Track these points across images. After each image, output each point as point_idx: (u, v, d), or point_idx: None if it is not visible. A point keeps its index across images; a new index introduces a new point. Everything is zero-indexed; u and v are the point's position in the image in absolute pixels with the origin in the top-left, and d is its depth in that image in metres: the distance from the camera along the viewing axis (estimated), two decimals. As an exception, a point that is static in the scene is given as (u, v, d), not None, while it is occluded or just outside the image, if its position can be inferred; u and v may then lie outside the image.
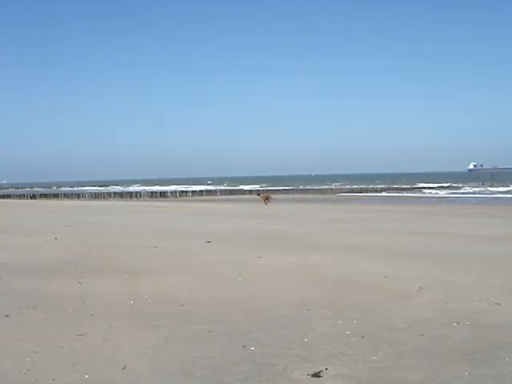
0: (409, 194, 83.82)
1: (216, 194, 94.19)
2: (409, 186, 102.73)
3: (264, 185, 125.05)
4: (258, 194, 54.19)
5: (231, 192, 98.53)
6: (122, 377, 5.98)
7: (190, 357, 6.58)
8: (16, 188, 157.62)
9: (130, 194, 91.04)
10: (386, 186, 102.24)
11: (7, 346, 7.04)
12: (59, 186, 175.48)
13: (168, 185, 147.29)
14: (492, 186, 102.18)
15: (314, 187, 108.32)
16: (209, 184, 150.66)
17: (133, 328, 7.82)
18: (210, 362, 6.40)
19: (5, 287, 10.77)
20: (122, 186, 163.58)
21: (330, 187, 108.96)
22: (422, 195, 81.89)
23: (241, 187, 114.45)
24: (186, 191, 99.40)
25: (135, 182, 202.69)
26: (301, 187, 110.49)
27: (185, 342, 7.18)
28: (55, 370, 6.13)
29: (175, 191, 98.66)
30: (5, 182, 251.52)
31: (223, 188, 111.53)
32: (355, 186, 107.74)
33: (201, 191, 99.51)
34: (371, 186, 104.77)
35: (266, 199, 47.96)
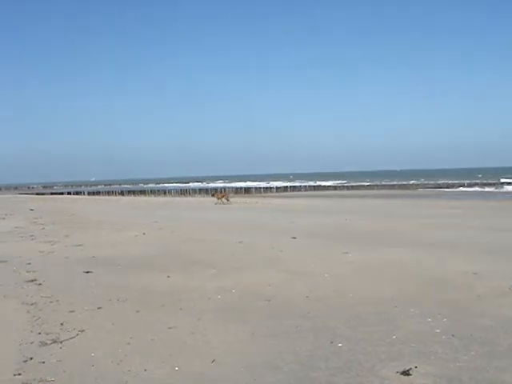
0: (490, 189, 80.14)
1: (300, 190, 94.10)
2: (490, 182, 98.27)
3: (344, 181, 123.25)
4: (213, 195, 53.80)
5: (315, 188, 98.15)
6: (211, 370, 6.06)
7: (277, 352, 6.60)
8: (105, 185, 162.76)
9: (215, 191, 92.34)
10: (469, 182, 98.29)
11: (101, 337, 7.28)
12: (146, 182, 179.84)
13: (250, 181, 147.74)
14: None
15: (400, 182, 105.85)
16: (291, 179, 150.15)
17: (221, 322, 7.92)
18: (297, 357, 6.40)
19: (97, 281, 11.14)
20: (205, 182, 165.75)
21: (416, 182, 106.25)
22: (504, 190, 77.87)
23: (321, 183, 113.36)
24: (270, 187, 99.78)
25: (218, 178, 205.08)
26: (383, 183, 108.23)
27: (272, 337, 7.21)
28: (146, 362, 6.29)
29: (259, 187, 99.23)
30: (94, 179, 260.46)
31: (307, 184, 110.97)
32: (441, 182, 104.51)
33: (285, 187, 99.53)
34: (451, 182, 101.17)
35: (223, 197, 47.63)
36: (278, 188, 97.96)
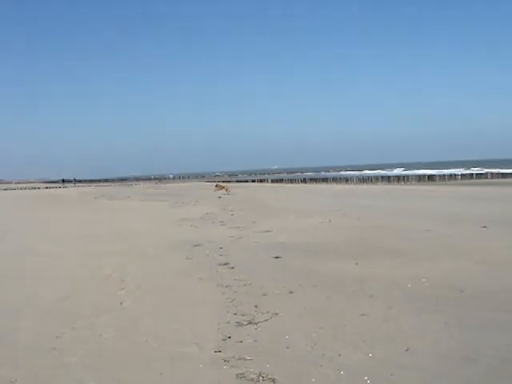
0: None
1: (487, 177, 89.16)
2: None
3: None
4: (216, 186, 52.20)
5: (503, 175, 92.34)
6: (404, 358, 5.98)
7: (473, 344, 6.36)
8: (288, 173, 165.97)
9: (398, 178, 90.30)
10: None
11: (294, 321, 7.47)
12: (327, 170, 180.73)
13: (430, 168, 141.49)
14: None
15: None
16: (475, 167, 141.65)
17: (412, 311, 7.78)
18: (495, 351, 6.12)
19: (286, 265, 11.43)
20: (385, 169, 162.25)
21: None
22: None
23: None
24: (454, 174, 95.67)
25: (398, 165, 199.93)
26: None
27: (467, 328, 6.96)
28: (339, 347, 6.35)
29: (443, 175, 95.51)
30: (276, 167, 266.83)
31: (497, 171, 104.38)
32: None
33: (470, 174, 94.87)
34: None
35: (222, 188, 48.69)
36: (462, 175, 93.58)
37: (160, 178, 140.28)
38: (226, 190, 48.29)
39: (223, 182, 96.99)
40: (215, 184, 55.90)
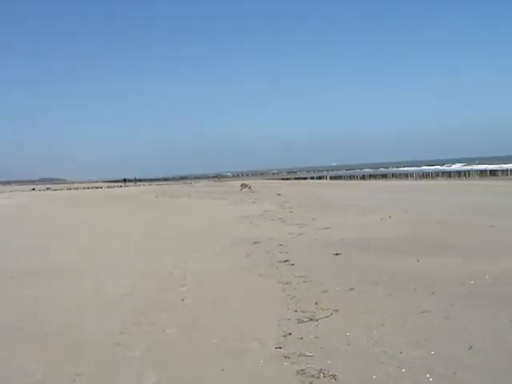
0: None
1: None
2: None
3: None
4: (241, 185, 52.52)
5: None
6: (468, 356, 5.87)
7: (540, 343, 6.18)
8: (346, 169, 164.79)
9: (459, 174, 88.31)
10: None
11: (354, 317, 7.43)
12: (386, 166, 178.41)
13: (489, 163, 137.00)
14: None
15: None
16: None
17: (475, 308, 7.63)
18: None
19: (346, 262, 11.37)
20: (445, 165, 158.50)
21: None
22: None
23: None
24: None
25: (455, 160, 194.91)
26: None
27: (534, 326, 6.76)
28: (401, 344, 6.28)
29: (506, 169, 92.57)
30: (334, 164, 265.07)
31: None
32: None
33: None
34: None
35: (246, 187, 49.76)
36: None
37: (219, 177, 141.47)
38: (249, 187, 49.33)
39: (282, 179, 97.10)
40: (241, 184, 57.08)
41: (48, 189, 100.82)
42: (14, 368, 6.18)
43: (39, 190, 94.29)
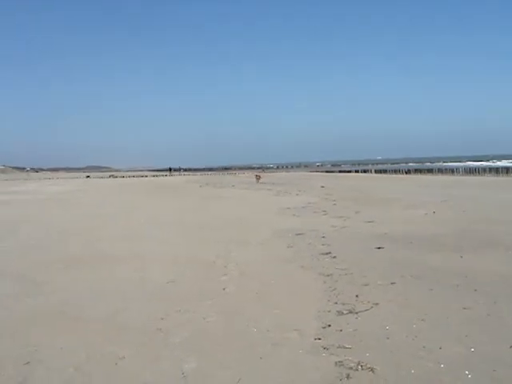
0: None
1: None
2: None
3: None
4: (256, 176, 56.97)
5: None
6: (508, 355, 5.80)
7: None
8: (391, 163, 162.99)
9: (507, 170, 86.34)
10: None
11: (394, 312, 7.41)
12: (431, 161, 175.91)
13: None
14: None
15: None
16: None
17: (518, 306, 7.52)
18: None
19: (389, 256, 11.32)
20: (491, 161, 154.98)
21: None
22: None
23: None
24: None
25: (499, 157, 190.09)
26: None
27: None
28: (441, 340, 6.25)
29: None
30: (379, 157, 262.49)
31: None
32: None
33: None
34: None
35: (260, 178, 54.06)
36: None
37: (263, 168, 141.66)
38: (259, 178, 51.56)
39: (326, 172, 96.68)
40: (255, 175, 59.62)
41: (88, 177, 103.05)
42: (59, 349, 6.38)
43: (86, 178, 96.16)
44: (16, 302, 8.60)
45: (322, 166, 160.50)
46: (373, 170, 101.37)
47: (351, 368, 5.54)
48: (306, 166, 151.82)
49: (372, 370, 5.49)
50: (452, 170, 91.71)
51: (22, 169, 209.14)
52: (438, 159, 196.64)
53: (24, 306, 8.31)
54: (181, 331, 6.85)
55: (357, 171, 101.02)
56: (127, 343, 6.50)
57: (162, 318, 7.40)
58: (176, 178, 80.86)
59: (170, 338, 6.60)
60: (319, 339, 6.39)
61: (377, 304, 7.75)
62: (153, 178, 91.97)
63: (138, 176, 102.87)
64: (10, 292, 9.25)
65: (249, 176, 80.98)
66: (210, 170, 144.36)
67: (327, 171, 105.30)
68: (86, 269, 11.04)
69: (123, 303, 8.31)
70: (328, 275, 9.66)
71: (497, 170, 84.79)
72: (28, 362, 5.98)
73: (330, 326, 6.86)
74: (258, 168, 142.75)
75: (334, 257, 11.36)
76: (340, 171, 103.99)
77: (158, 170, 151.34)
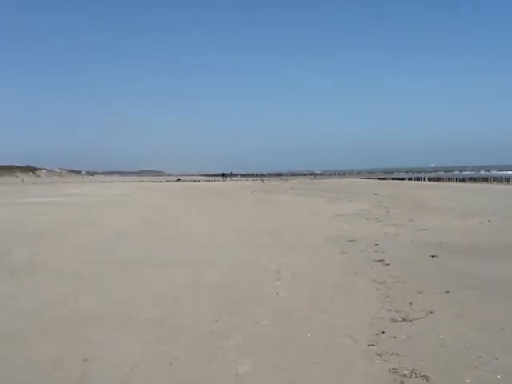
0: None
1: None
2: None
3: None
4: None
5: None
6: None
7: None
8: (445, 171, 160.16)
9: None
10: None
11: (449, 320, 7.35)
12: (487, 169, 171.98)
13: None
14: None
15: None
16: None
17: None
18: None
19: (443, 265, 11.20)
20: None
21: None
22: None
23: None
24: None
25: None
26: None
27: None
28: (497, 350, 6.17)
29: None
30: (433, 165, 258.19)
31: None
32: None
33: None
34: None
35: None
36: None
37: (315, 174, 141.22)
38: (262, 181, 54.17)
39: (378, 179, 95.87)
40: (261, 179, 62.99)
41: (141, 181, 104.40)
42: (115, 347, 6.56)
43: (140, 182, 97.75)
44: (74, 300, 8.86)
45: (373, 173, 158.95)
46: (426, 178, 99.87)
47: (405, 375, 5.53)
48: (357, 173, 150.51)
49: (426, 378, 5.46)
50: (508, 179, 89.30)
51: (78, 172, 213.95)
52: (493, 167, 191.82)
53: (81, 305, 8.56)
54: (234, 334, 6.94)
55: (410, 179, 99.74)
56: (181, 344, 6.63)
57: (216, 321, 7.51)
58: (228, 184, 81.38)
59: (223, 341, 6.69)
60: (373, 345, 6.39)
61: (431, 312, 7.69)
62: (205, 182, 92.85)
63: (190, 180, 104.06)
64: (69, 290, 9.54)
65: (300, 182, 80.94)
66: (262, 175, 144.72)
67: (379, 178, 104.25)
68: (141, 271, 11.26)
69: (178, 305, 8.46)
70: (381, 282, 9.63)
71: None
72: (86, 359, 6.16)
73: (383, 332, 6.85)
74: (310, 174, 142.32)
75: (388, 264, 11.30)
76: (393, 178, 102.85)
77: (210, 175, 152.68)
